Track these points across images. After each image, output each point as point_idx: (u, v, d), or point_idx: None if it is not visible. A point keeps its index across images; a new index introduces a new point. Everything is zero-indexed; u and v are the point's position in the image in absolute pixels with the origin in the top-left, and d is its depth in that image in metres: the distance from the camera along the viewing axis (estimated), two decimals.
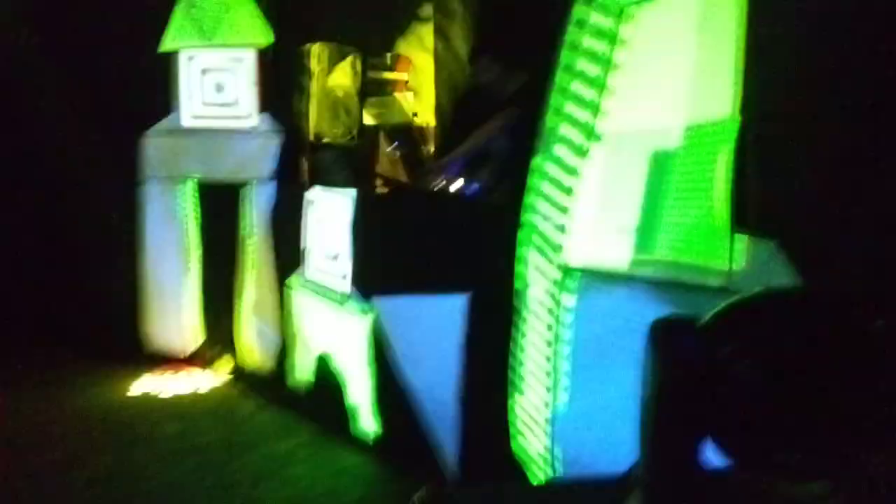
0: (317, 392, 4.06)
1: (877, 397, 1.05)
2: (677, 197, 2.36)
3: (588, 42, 2.67)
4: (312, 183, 4.44)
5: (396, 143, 4.88)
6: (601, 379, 2.56)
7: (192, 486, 3.39)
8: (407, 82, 5.18)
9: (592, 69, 2.64)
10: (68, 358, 4.92)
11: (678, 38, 2.39)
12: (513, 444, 3.02)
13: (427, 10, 5.09)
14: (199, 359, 4.92)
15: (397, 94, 5.08)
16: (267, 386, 4.45)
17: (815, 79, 2.00)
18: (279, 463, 3.63)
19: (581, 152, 2.67)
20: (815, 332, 1.08)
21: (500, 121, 4.00)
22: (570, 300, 2.70)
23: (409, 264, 3.45)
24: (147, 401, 4.43)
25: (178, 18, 4.68)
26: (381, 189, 4.19)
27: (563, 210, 2.73)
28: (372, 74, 4.97)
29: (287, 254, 4.26)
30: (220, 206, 4.80)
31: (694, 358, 1.10)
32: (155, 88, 4.79)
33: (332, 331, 3.88)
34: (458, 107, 4.59)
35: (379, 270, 3.60)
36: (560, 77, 2.76)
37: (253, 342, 4.67)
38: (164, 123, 4.82)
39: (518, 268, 2.93)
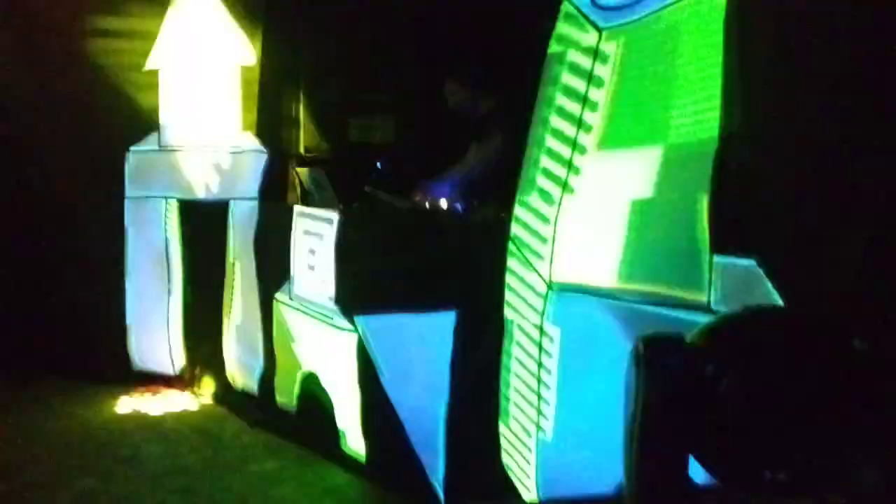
0: (303, 411, 4.05)
1: (860, 415, 1.07)
2: (659, 216, 2.39)
3: (566, 73, 2.71)
4: (297, 201, 4.45)
5: (380, 162, 4.90)
6: (587, 398, 2.58)
7: None
8: (391, 101, 5.22)
9: (571, 101, 2.68)
10: (51, 377, 4.88)
11: (658, 62, 2.42)
12: (500, 465, 3.02)
13: None
14: (184, 378, 4.89)
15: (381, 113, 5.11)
16: (252, 405, 4.43)
17: (796, 98, 2.05)
18: (266, 483, 3.61)
19: (559, 177, 2.70)
20: (799, 351, 1.10)
21: (485, 142, 4.07)
22: (554, 319, 2.72)
23: (395, 282, 3.46)
24: (131, 421, 4.40)
25: (163, 36, 4.68)
26: (366, 206, 4.21)
27: (546, 229, 2.75)
28: (357, 93, 4.99)
29: (272, 272, 4.25)
30: (203, 224, 4.79)
31: (681, 375, 1.12)
32: (138, 106, 4.78)
33: (319, 349, 3.88)
34: (432, 127, 4.65)
35: (365, 288, 3.60)
36: (541, 105, 2.79)
37: (237, 361, 4.64)
38: (147, 142, 4.82)
39: (504, 286, 2.95)
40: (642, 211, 2.43)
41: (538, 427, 2.78)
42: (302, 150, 5.19)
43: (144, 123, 4.80)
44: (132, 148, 4.82)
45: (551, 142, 2.75)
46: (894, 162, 1.87)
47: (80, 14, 4.77)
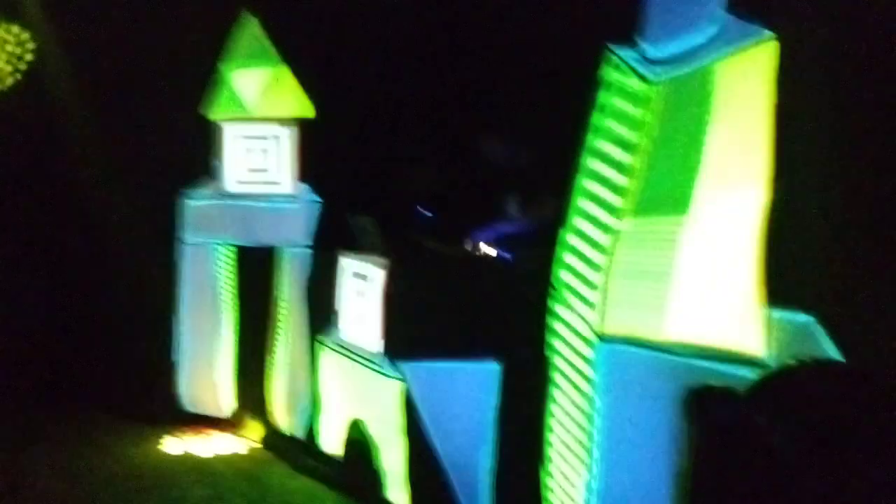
0: (347, 457, 4.05)
1: None
2: (711, 269, 2.37)
3: (610, 123, 2.73)
4: (347, 248, 4.52)
5: (429, 211, 4.95)
6: (634, 451, 2.54)
7: None
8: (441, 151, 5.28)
9: (616, 151, 2.69)
10: (101, 417, 4.97)
11: (704, 115, 2.43)
12: None
13: None
14: (232, 421, 4.94)
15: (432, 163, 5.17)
16: (298, 450, 4.45)
17: (849, 151, 2.04)
18: None
19: (607, 229, 2.70)
20: (853, 405, 1.09)
21: (531, 192, 4.10)
22: (601, 371, 2.69)
23: (440, 330, 3.48)
24: (179, 462, 4.44)
25: (225, 89, 4.85)
26: (413, 255, 4.25)
27: (596, 277, 2.74)
28: (408, 143, 5.06)
29: (320, 317, 4.30)
30: (255, 270, 4.88)
31: (734, 428, 1.11)
32: (195, 152, 4.94)
33: (364, 396, 3.89)
34: (480, 177, 4.71)
35: (411, 336, 3.62)
36: (585, 158, 2.81)
37: (285, 405, 4.68)
38: (206, 188, 4.96)
39: (548, 336, 2.94)
40: (694, 263, 2.42)
41: (584, 479, 2.74)
42: (354, 198, 5.27)
43: (199, 169, 4.95)
44: (189, 193, 4.97)
45: (598, 189, 2.76)
46: None
47: (140, 57, 4.96)
